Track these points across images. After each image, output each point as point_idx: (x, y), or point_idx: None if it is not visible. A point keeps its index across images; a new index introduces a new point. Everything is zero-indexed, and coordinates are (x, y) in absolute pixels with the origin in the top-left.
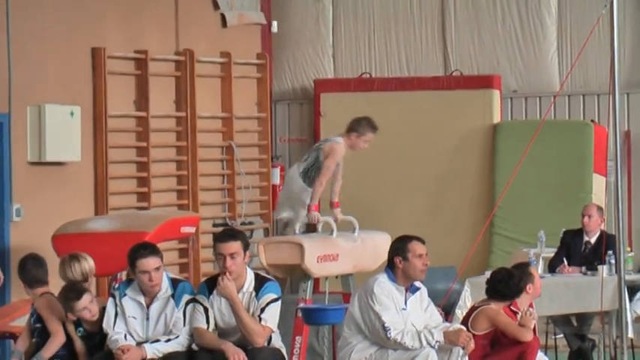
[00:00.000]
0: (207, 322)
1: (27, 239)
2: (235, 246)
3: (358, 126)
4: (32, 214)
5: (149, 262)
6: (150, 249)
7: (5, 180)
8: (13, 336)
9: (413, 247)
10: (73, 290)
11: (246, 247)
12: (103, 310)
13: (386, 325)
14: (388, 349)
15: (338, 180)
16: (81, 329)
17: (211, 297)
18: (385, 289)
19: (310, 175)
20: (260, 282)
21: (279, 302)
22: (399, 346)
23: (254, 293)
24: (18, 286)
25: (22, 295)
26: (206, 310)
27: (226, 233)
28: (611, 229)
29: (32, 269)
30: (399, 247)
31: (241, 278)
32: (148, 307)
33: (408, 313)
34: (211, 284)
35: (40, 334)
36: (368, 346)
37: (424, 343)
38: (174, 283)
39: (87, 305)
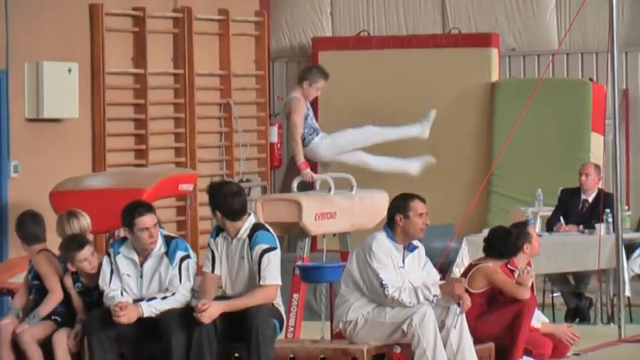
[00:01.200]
0: (213, 266)
1: (25, 196)
2: (152, 218)
3: (309, 74)
4: (30, 170)
5: (148, 219)
6: (146, 206)
7: (3, 137)
8: (11, 292)
9: (414, 206)
10: (75, 240)
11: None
12: (100, 267)
13: (384, 282)
14: (386, 307)
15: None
16: (79, 284)
17: (218, 238)
18: (383, 247)
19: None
20: (253, 230)
21: (276, 252)
22: (397, 303)
23: (247, 241)
24: (16, 243)
25: (19, 252)
26: (212, 253)
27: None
28: (609, 187)
29: (30, 226)
30: (401, 205)
31: (241, 222)
32: (141, 265)
33: (406, 272)
34: (219, 227)
35: (37, 290)
36: (365, 303)
37: (422, 299)
38: (168, 240)
39: (88, 257)
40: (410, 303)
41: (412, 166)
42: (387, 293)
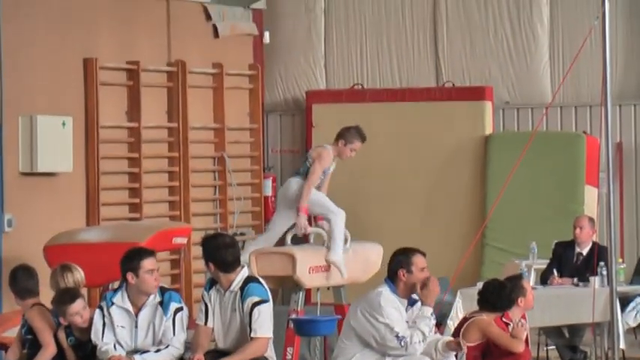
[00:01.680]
0: (206, 318)
1: (18, 250)
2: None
3: (347, 134)
4: (24, 224)
5: (153, 261)
6: (149, 250)
7: None
8: (5, 347)
9: (417, 261)
10: (67, 294)
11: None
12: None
13: (399, 334)
14: (386, 358)
15: (323, 190)
16: (72, 338)
17: (211, 291)
18: (391, 301)
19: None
20: (245, 282)
21: (267, 304)
22: (413, 349)
23: (239, 293)
24: (9, 297)
25: (13, 306)
26: (206, 306)
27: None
28: (603, 240)
29: (23, 280)
30: (403, 260)
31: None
32: (136, 315)
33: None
34: (213, 279)
35: (31, 345)
36: (367, 354)
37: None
38: (162, 291)
39: (79, 310)
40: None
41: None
42: (403, 344)
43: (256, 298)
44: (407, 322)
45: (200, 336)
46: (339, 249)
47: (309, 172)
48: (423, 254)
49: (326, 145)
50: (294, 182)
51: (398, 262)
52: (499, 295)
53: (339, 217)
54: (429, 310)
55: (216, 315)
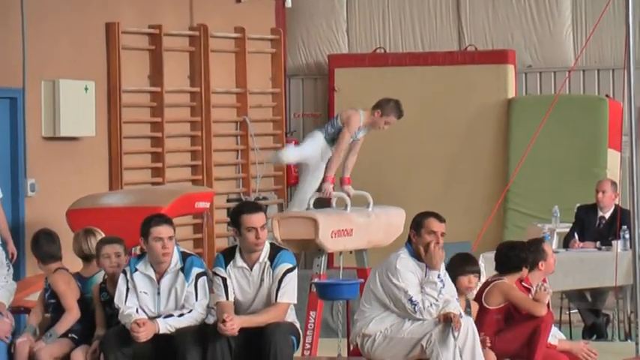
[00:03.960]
0: (227, 293)
1: (41, 214)
2: (263, 217)
3: (386, 106)
4: (46, 189)
5: (164, 229)
6: (164, 218)
7: (20, 155)
8: (28, 311)
9: (427, 223)
10: (111, 238)
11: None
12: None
13: (413, 299)
14: (405, 322)
15: (353, 154)
16: (104, 293)
17: (228, 268)
18: (407, 265)
19: (330, 135)
20: (274, 251)
21: (295, 271)
22: (428, 314)
23: (268, 263)
24: (32, 262)
25: (36, 271)
26: (224, 280)
27: (253, 206)
28: (626, 204)
29: (45, 245)
30: (416, 221)
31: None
32: (158, 281)
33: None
34: (227, 256)
35: (54, 309)
36: (385, 318)
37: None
38: (184, 257)
39: (111, 254)
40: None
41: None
42: (417, 309)
43: (289, 265)
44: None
45: (224, 311)
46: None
47: (338, 138)
48: (440, 219)
49: (359, 109)
50: (320, 141)
51: (412, 224)
52: (507, 256)
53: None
54: (434, 274)
55: (237, 289)
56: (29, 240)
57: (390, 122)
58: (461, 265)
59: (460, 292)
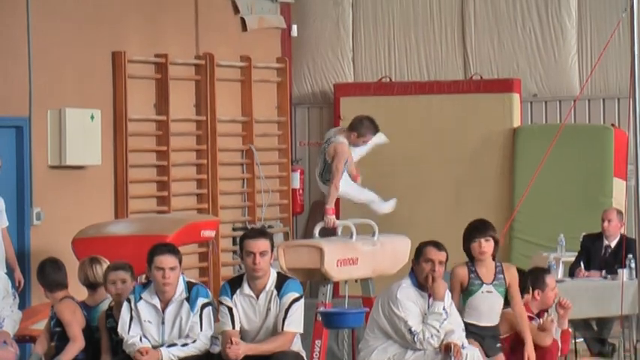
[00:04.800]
0: (233, 322)
1: (47, 243)
2: (265, 244)
3: (360, 126)
4: (52, 217)
5: (166, 259)
6: (169, 247)
7: (26, 184)
8: (34, 339)
9: (425, 252)
10: (118, 264)
11: (272, 246)
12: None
13: (412, 329)
14: (407, 351)
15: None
16: (111, 320)
17: (234, 297)
18: (408, 294)
19: (325, 177)
20: (281, 280)
21: (302, 300)
22: (428, 345)
23: (275, 292)
24: (38, 290)
25: (42, 299)
26: (230, 310)
27: (256, 231)
28: (632, 233)
29: (51, 273)
30: (416, 249)
31: (266, 277)
32: (163, 310)
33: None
34: (233, 284)
35: (59, 338)
36: (388, 347)
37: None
38: (189, 286)
39: (116, 280)
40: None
41: (385, 207)
42: (416, 340)
43: (296, 294)
44: (425, 314)
45: (230, 336)
46: (381, 203)
47: (332, 170)
48: (439, 247)
49: (339, 138)
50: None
51: (414, 252)
52: None
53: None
54: (440, 305)
55: (243, 318)
56: (35, 268)
57: (367, 141)
58: (470, 232)
59: (477, 258)
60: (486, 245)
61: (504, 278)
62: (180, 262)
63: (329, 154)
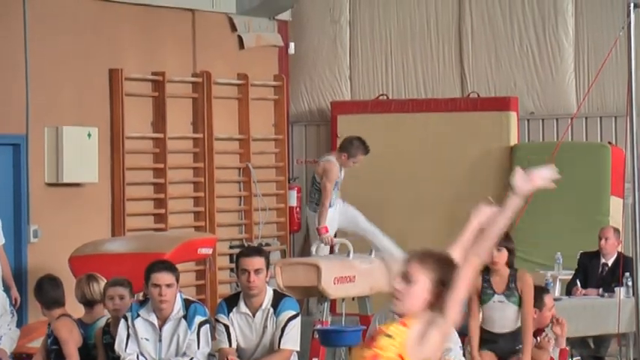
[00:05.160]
0: (229, 340)
1: (44, 260)
2: (260, 262)
3: (350, 147)
4: (49, 235)
5: (162, 277)
6: (166, 265)
7: (23, 201)
8: (31, 357)
9: None
10: (117, 280)
11: (268, 264)
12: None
13: None
14: None
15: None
16: (107, 336)
17: (231, 315)
18: None
19: (313, 198)
20: (277, 298)
21: (299, 318)
22: None
23: (272, 310)
24: (35, 308)
25: (39, 317)
26: (227, 328)
27: (252, 249)
28: (629, 251)
29: (49, 290)
30: None
31: (261, 295)
32: (160, 328)
33: None
34: (230, 302)
35: (56, 355)
36: None
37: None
38: (187, 304)
39: (114, 296)
40: None
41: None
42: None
43: (292, 312)
44: None
45: (227, 354)
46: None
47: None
48: None
49: (330, 157)
50: (310, 215)
51: None
52: None
53: (374, 232)
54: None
55: (240, 336)
56: (32, 286)
57: (358, 162)
58: None
59: (490, 268)
60: (498, 255)
61: (516, 288)
62: (177, 280)
63: (317, 173)
